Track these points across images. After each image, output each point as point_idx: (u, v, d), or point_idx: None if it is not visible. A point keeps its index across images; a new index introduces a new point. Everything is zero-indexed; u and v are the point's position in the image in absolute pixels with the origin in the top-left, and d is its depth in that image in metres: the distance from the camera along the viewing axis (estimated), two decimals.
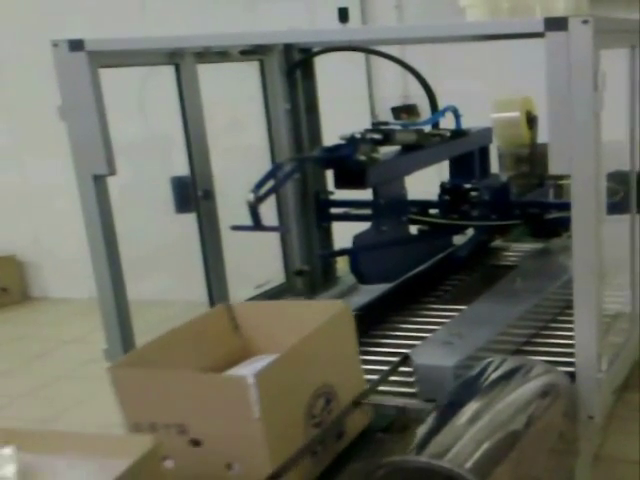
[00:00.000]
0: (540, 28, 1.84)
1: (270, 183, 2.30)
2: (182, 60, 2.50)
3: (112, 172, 2.25)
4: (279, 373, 1.68)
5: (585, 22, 1.81)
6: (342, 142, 2.47)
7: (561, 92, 1.85)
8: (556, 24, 1.82)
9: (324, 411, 1.83)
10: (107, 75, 2.24)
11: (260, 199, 2.22)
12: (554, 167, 1.91)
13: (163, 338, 1.90)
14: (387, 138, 2.52)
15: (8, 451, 1.46)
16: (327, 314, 1.87)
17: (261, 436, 1.63)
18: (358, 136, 2.47)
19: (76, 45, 2.16)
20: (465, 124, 2.90)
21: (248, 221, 2.35)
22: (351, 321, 1.95)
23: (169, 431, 1.70)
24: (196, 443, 1.70)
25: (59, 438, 1.53)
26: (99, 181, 2.26)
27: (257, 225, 2.24)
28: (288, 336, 1.79)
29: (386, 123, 2.68)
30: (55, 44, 2.17)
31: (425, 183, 2.86)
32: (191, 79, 2.55)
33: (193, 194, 2.62)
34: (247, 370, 1.83)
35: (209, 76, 2.61)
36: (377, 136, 2.50)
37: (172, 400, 1.69)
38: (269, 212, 2.93)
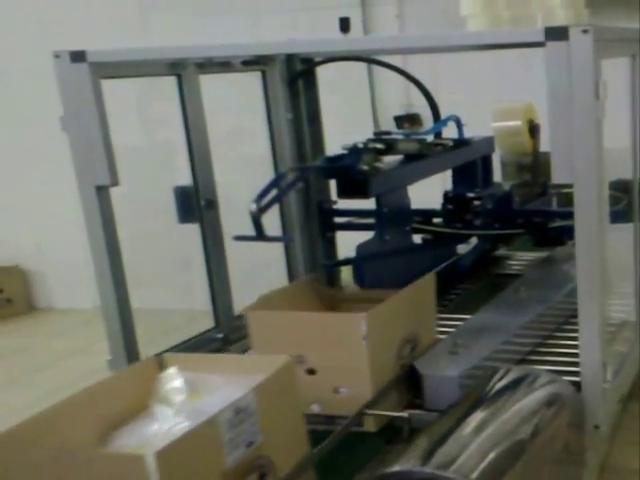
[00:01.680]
0: (541, 38, 1.84)
1: (273, 193, 2.30)
2: (184, 71, 2.50)
3: (115, 183, 2.25)
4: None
5: (585, 32, 1.81)
6: (345, 152, 2.47)
7: (562, 101, 1.85)
8: (557, 34, 1.83)
9: (410, 354, 2.17)
10: (110, 85, 2.24)
11: (263, 209, 2.22)
12: (557, 176, 1.91)
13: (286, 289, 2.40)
14: (390, 148, 2.53)
15: (173, 370, 1.73)
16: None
17: (366, 365, 1.98)
18: (361, 146, 2.47)
19: (78, 56, 2.16)
20: (467, 133, 2.90)
21: (252, 231, 2.35)
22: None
23: None
24: (311, 372, 2.04)
25: (211, 361, 1.82)
26: (102, 192, 2.25)
27: (260, 235, 2.24)
28: None
29: (388, 133, 2.68)
30: (57, 55, 2.17)
31: (428, 192, 2.86)
32: (193, 89, 2.54)
33: (196, 204, 2.62)
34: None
35: (212, 86, 2.62)
36: (380, 146, 2.50)
37: (294, 335, 2.04)
38: (273, 221, 2.94)
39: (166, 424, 1.59)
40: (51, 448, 1.51)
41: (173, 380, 1.71)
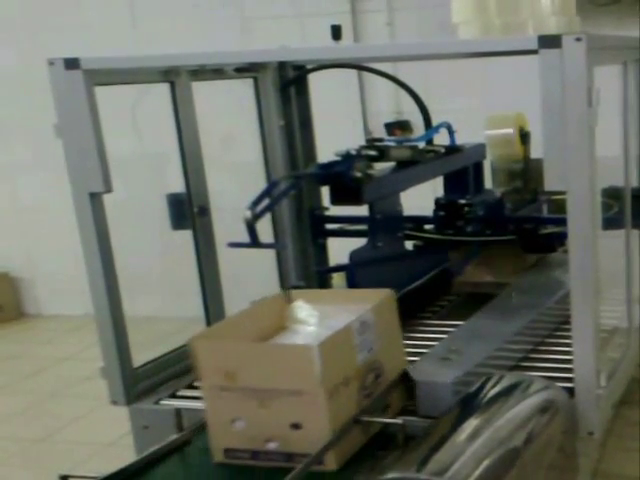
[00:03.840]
0: (534, 46, 1.86)
1: (267, 200, 2.30)
2: (177, 78, 2.50)
3: (108, 190, 2.24)
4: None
5: (578, 39, 1.83)
6: (337, 159, 2.47)
7: (555, 109, 1.86)
8: (550, 42, 1.84)
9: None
10: (103, 92, 2.24)
11: (257, 216, 2.22)
12: (549, 183, 1.92)
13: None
14: (382, 154, 2.53)
15: (300, 302, 2.18)
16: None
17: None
18: (353, 153, 2.47)
19: (72, 63, 2.16)
20: (459, 140, 2.91)
21: (245, 237, 2.35)
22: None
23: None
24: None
25: (323, 295, 2.27)
26: (95, 198, 2.25)
27: (254, 242, 2.25)
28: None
29: (381, 139, 2.69)
30: (51, 62, 2.17)
31: (420, 199, 2.87)
32: (186, 96, 2.55)
33: (189, 211, 2.62)
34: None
35: (204, 93, 2.62)
36: (372, 152, 2.51)
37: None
38: (265, 228, 2.94)
39: (310, 336, 2.05)
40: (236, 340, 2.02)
41: (303, 309, 2.16)
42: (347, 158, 2.43)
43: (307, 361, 1.81)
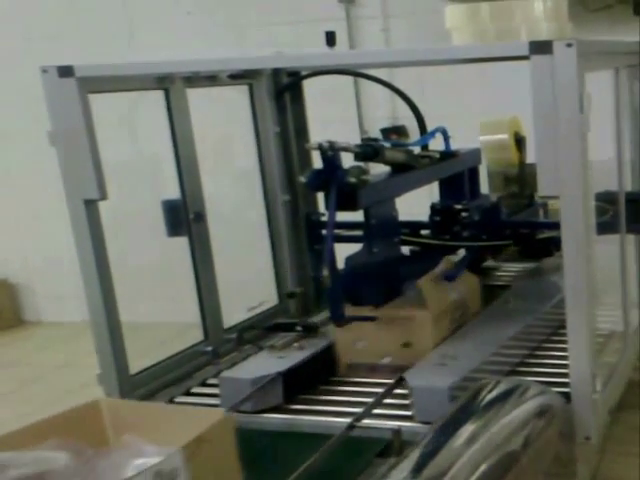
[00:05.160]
0: (525, 51, 1.86)
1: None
2: (172, 85, 2.50)
3: (103, 197, 2.25)
4: None
5: (569, 45, 1.83)
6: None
7: (547, 114, 1.87)
8: (541, 47, 1.85)
9: None
10: (98, 98, 2.24)
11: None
12: (543, 189, 1.92)
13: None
14: (376, 153, 2.52)
15: None
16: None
17: None
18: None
19: (65, 71, 2.16)
20: (454, 145, 2.91)
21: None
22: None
23: None
24: None
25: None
26: (90, 205, 2.26)
27: None
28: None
29: (376, 139, 2.68)
30: (45, 70, 2.18)
31: (416, 204, 2.87)
32: (181, 103, 2.55)
33: (185, 217, 2.62)
34: None
35: (200, 100, 2.62)
36: (367, 150, 2.49)
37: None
38: (261, 234, 2.94)
39: None
40: None
41: None
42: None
43: None
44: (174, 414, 1.73)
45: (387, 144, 2.64)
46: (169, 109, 2.53)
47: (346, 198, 2.39)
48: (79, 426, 1.66)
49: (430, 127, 2.82)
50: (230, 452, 1.56)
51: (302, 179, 2.40)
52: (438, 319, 2.48)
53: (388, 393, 2.21)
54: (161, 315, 4.20)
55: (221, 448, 1.54)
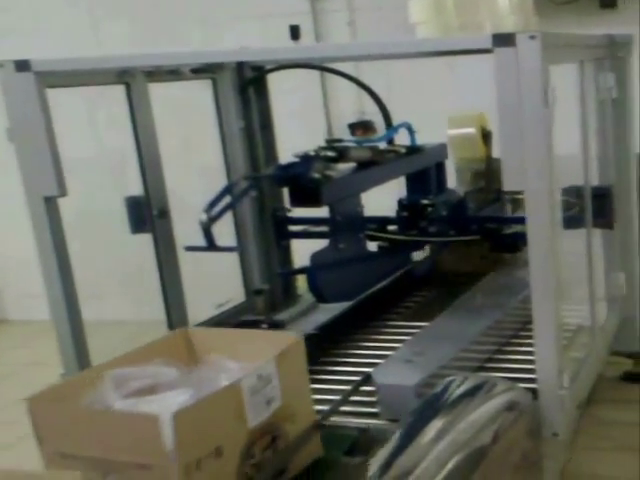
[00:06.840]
0: (488, 44, 1.85)
1: (224, 201, 2.27)
2: (132, 79, 2.46)
3: (63, 193, 2.21)
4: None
5: (532, 37, 1.82)
6: (296, 160, 2.45)
7: (512, 108, 1.85)
8: (504, 40, 1.83)
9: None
10: (58, 93, 2.20)
11: (213, 219, 2.19)
12: (508, 183, 1.91)
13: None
14: (341, 155, 2.51)
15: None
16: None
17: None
18: (312, 154, 2.45)
19: (22, 66, 2.11)
20: (421, 140, 2.90)
21: (204, 240, 2.32)
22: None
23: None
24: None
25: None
26: (50, 202, 2.22)
27: (211, 245, 2.21)
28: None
29: (340, 140, 2.66)
30: (1, 65, 2.13)
31: (383, 200, 2.85)
32: (142, 98, 2.51)
33: (148, 214, 2.58)
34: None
35: (161, 94, 2.58)
36: (331, 154, 2.49)
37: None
38: (228, 230, 2.90)
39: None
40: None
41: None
42: (306, 159, 2.41)
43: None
44: (250, 337, 2.04)
45: (351, 143, 2.63)
46: (130, 104, 2.49)
47: (310, 194, 2.36)
48: (174, 349, 1.97)
49: (397, 122, 2.80)
50: (302, 367, 1.89)
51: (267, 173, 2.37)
52: None
53: (355, 390, 2.18)
54: (126, 313, 4.15)
55: (296, 363, 1.86)
